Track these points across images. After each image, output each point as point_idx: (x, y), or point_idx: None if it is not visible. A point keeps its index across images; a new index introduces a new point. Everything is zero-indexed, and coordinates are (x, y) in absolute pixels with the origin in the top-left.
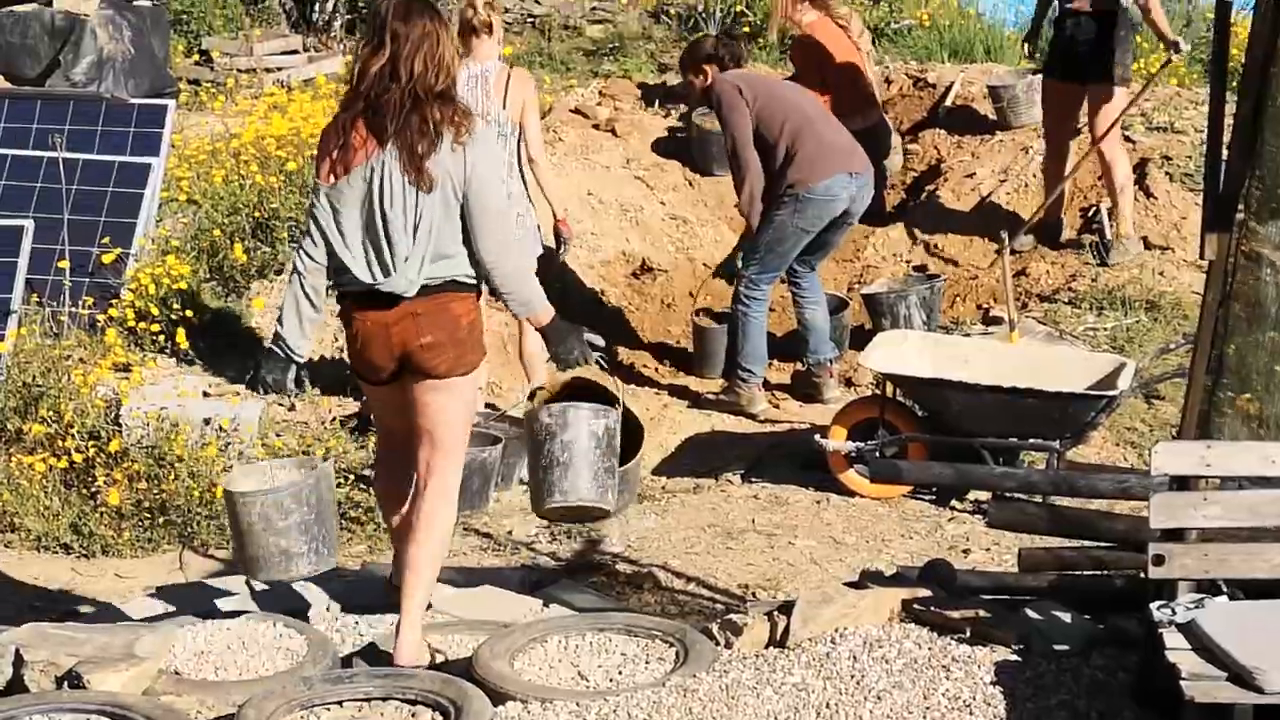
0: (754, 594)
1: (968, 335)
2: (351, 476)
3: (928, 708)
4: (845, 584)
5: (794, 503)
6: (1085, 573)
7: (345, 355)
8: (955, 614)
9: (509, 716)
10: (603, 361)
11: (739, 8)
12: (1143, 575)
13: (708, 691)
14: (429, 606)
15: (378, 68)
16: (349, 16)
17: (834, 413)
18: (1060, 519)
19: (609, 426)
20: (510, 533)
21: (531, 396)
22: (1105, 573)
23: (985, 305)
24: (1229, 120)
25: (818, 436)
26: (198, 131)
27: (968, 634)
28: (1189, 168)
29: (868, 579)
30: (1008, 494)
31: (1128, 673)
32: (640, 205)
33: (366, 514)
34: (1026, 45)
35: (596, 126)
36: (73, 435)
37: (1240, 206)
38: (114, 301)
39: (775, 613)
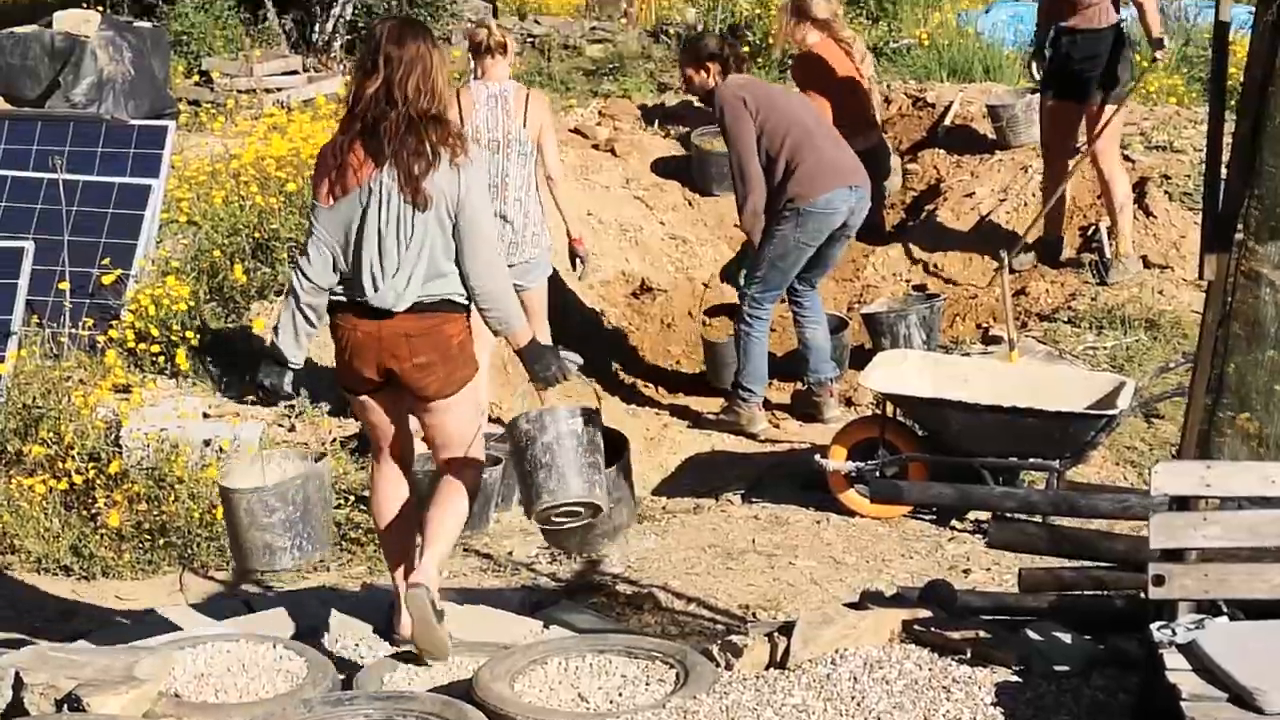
0: (754, 615)
1: (967, 355)
2: (351, 497)
3: None
4: (845, 605)
5: (794, 523)
6: (1086, 593)
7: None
8: (956, 635)
9: None
10: (580, 375)
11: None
12: (1143, 596)
13: (708, 713)
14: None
15: (372, 90)
16: (349, 37)
17: (834, 432)
18: (1060, 539)
19: (588, 424)
20: (510, 553)
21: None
22: (1106, 593)
23: (985, 324)
24: (1228, 140)
25: (818, 456)
26: (198, 152)
27: (968, 655)
28: (1188, 186)
29: (868, 600)
30: (1008, 514)
31: (1128, 694)
32: (640, 225)
33: (366, 535)
34: (1033, 64)
35: (596, 146)
36: (73, 457)
37: (1239, 226)
38: (114, 323)
39: (775, 634)
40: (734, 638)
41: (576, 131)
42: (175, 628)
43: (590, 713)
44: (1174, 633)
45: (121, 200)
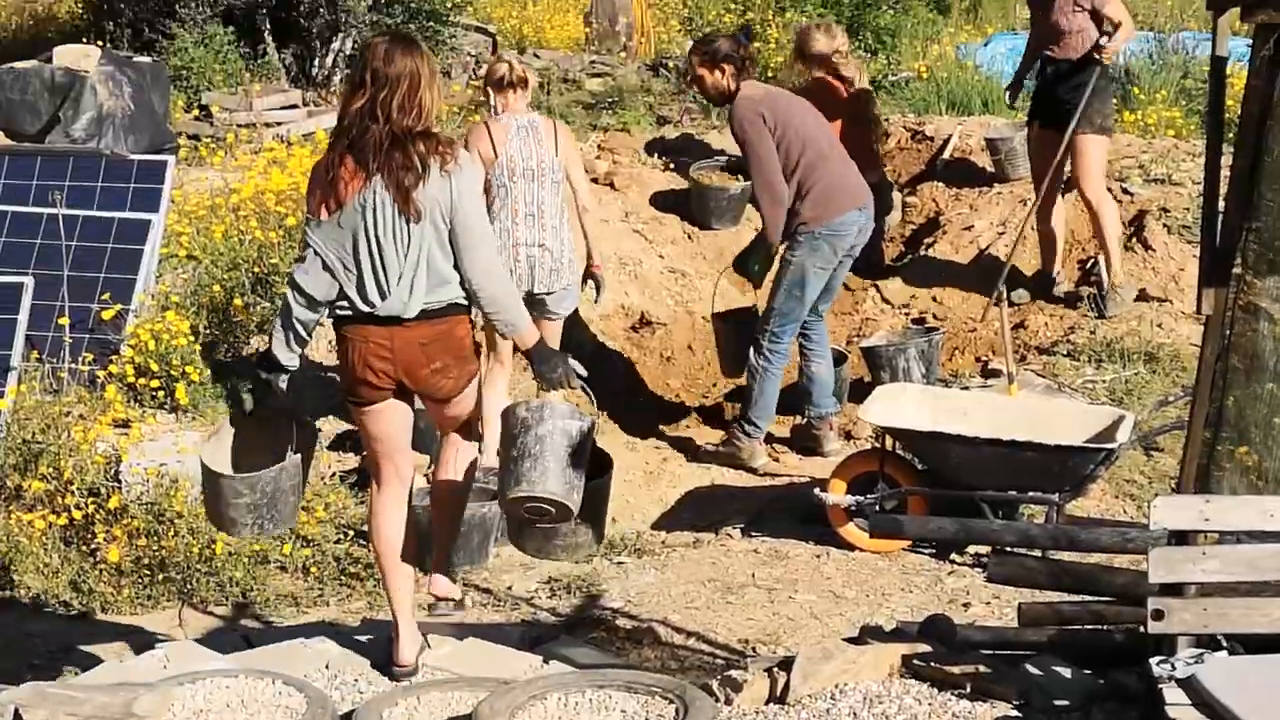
0: (754, 649)
1: (967, 388)
2: (350, 532)
3: None
4: (845, 639)
5: (794, 557)
6: (1085, 627)
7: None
8: (955, 669)
9: None
10: (585, 387)
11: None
12: (1142, 630)
13: None
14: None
15: (357, 107)
16: (348, 71)
17: (833, 466)
18: (1060, 573)
19: (583, 429)
20: (510, 588)
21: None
22: (1105, 627)
23: (984, 358)
24: (1225, 174)
25: (817, 490)
26: (197, 187)
27: (968, 689)
28: (1187, 220)
29: (868, 634)
30: (1008, 548)
31: None
32: (639, 259)
33: (366, 569)
34: (1008, 94)
35: (595, 180)
36: (72, 492)
37: (1237, 260)
38: (114, 358)
39: (775, 669)
40: (734, 673)
41: None
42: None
43: None
44: (1174, 667)
45: (121, 235)
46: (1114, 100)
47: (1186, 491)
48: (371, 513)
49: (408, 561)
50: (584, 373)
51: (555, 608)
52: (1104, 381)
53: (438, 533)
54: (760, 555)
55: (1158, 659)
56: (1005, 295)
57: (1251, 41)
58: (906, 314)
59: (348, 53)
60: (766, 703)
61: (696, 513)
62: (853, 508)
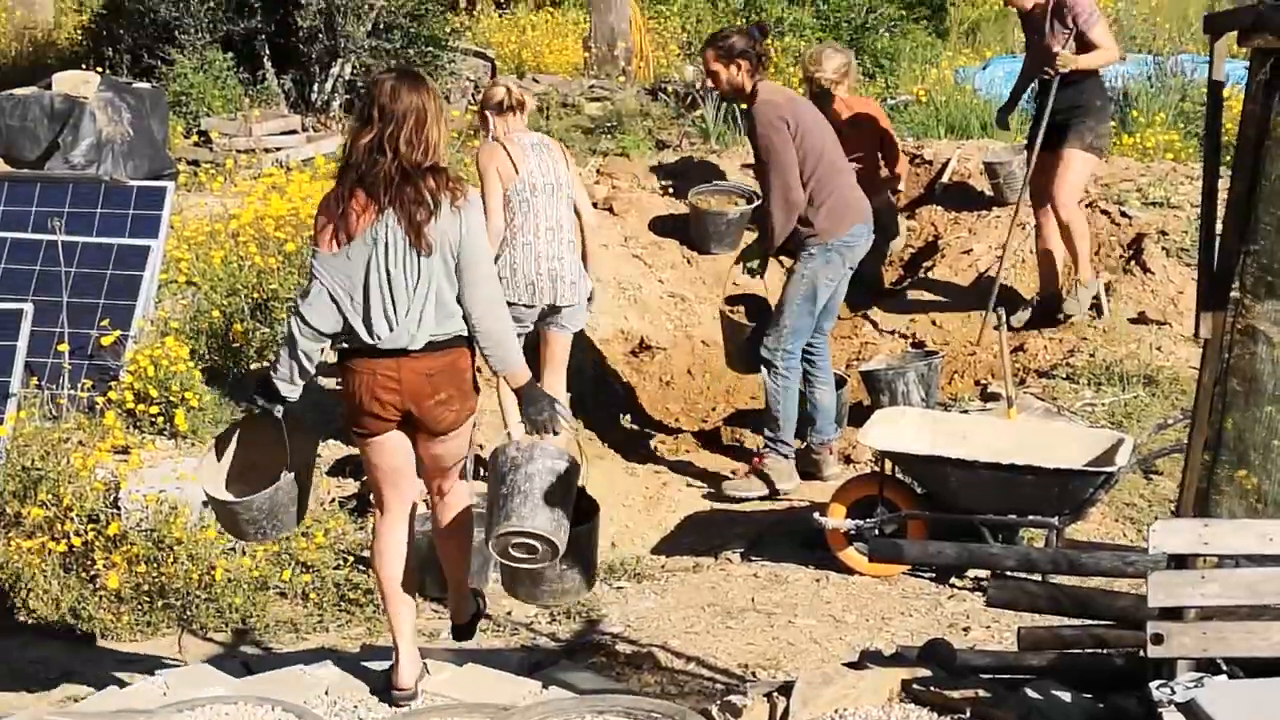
0: (754, 674)
1: (966, 412)
2: (350, 558)
3: None
4: (845, 664)
5: (794, 581)
6: (1085, 651)
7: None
8: (955, 694)
9: None
10: (572, 429)
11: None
12: (1142, 654)
13: None
14: None
15: (365, 142)
16: (347, 97)
17: (833, 490)
18: (1060, 597)
19: (570, 471)
20: (509, 613)
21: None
22: (1106, 651)
23: (983, 381)
24: (1223, 197)
25: (817, 514)
26: (196, 212)
27: (968, 714)
28: (1185, 243)
29: (867, 659)
30: (1008, 572)
31: None
32: (638, 283)
33: (365, 595)
34: (999, 113)
35: (595, 204)
36: (72, 519)
37: (1235, 284)
38: (113, 384)
39: (775, 693)
40: (733, 697)
41: None
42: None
43: None
44: (1173, 691)
45: (120, 261)
46: (1111, 123)
47: (1185, 515)
48: (375, 543)
49: (409, 588)
50: (570, 418)
51: (555, 633)
52: (1103, 404)
53: (450, 571)
54: (760, 580)
55: (1157, 683)
56: (1004, 318)
57: (1248, 66)
58: (905, 338)
59: (347, 78)
60: None
61: (696, 537)
62: (852, 532)
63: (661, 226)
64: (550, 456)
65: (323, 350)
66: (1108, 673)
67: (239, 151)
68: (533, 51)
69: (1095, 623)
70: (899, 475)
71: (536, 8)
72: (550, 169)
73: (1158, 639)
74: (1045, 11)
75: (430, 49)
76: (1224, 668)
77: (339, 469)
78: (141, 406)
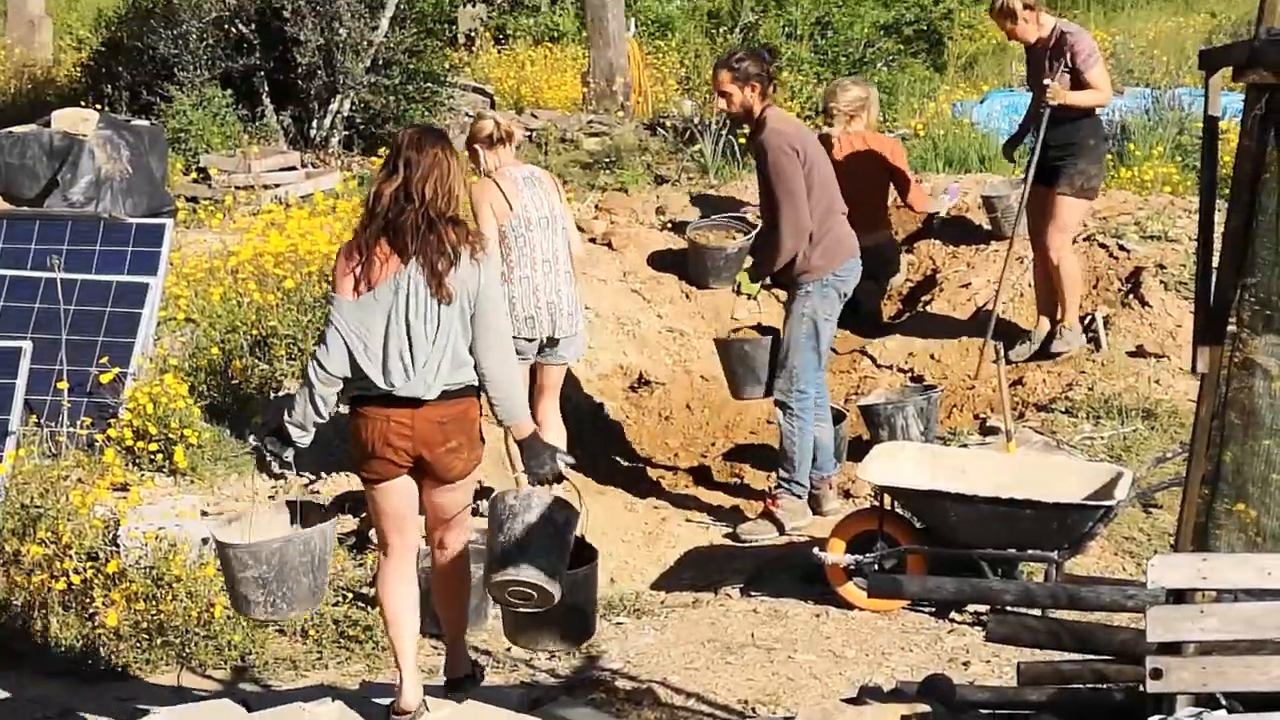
0: (754, 709)
1: (965, 446)
2: (349, 595)
3: None
4: (845, 700)
5: (793, 616)
6: (1085, 686)
7: (345, 473)
8: None
9: None
10: (571, 482)
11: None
12: (1142, 689)
13: None
14: None
15: (391, 191)
16: (346, 133)
17: (832, 525)
18: (1060, 632)
19: (568, 520)
20: (509, 649)
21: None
22: (1105, 686)
23: (982, 415)
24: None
25: (816, 549)
26: (196, 249)
27: None
28: (1183, 276)
29: (867, 694)
30: (1008, 607)
31: None
32: (637, 318)
33: (364, 632)
34: (1005, 147)
35: (593, 240)
36: (71, 556)
37: (1233, 318)
38: (112, 421)
39: None
40: None
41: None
42: None
43: None
44: None
45: (119, 298)
46: (1105, 160)
47: (1184, 550)
48: (380, 581)
49: (411, 618)
50: (571, 462)
51: (554, 669)
52: (1102, 438)
53: (447, 628)
54: (760, 615)
55: (1157, 718)
56: (1001, 352)
57: (1244, 101)
58: (904, 372)
59: (345, 114)
60: None
61: (696, 572)
62: (852, 567)
63: (660, 261)
64: (548, 506)
65: (338, 397)
66: (1107, 708)
67: (238, 188)
68: (531, 87)
69: (1095, 657)
70: (898, 510)
71: (535, 43)
72: (544, 202)
73: (1157, 674)
74: (1047, 47)
75: (429, 85)
76: (1223, 702)
77: (338, 505)
78: (140, 444)
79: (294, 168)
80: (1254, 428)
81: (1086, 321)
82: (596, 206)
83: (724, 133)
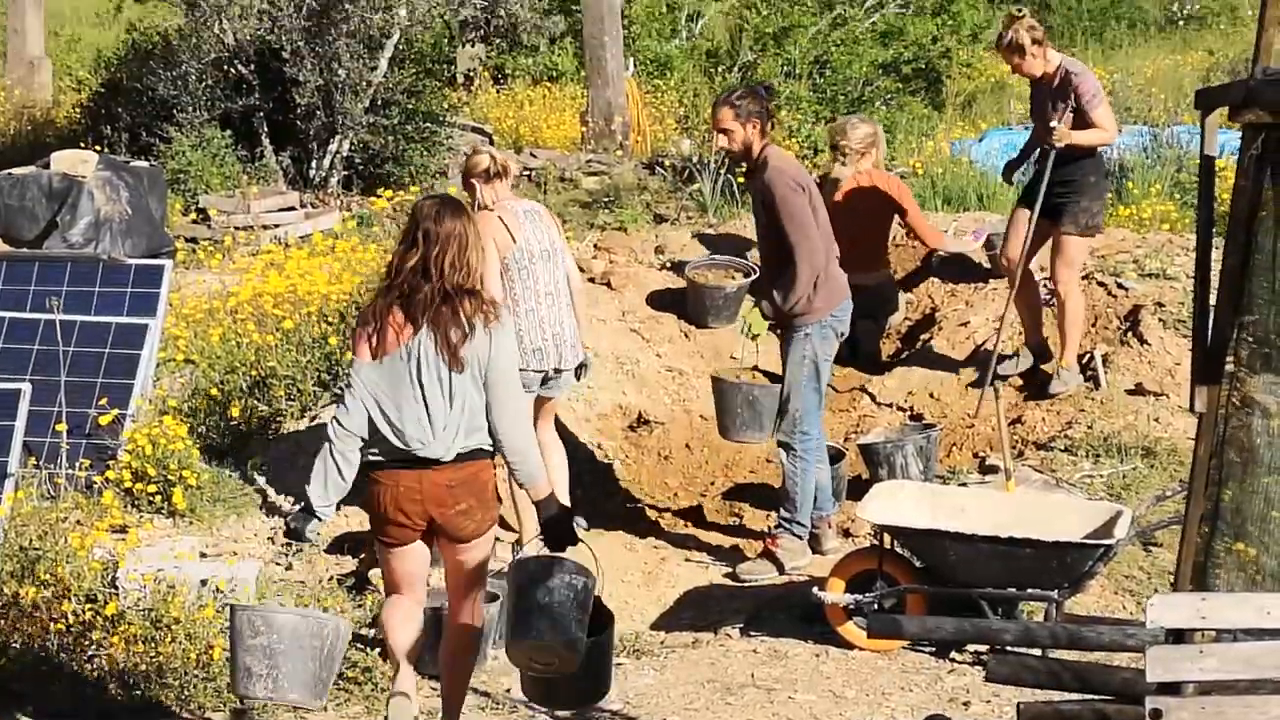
0: None
1: (965, 484)
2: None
3: None
4: None
5: (793, 656)
6: None
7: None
8: None
9: None
10: (587, 544)
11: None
12: None
13: None
14: None
15: (411, 264)
16: (345, 173)
17: (832, 564)
18: (1060, 671)
19: (587, 586)
20: (509, 691)
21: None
22: None
23: (982, 453)
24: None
25: (816, 589)
26: (195, 290)
27: None
28: (1182, 314)
29: None
30: (1008, 647)
31: None
32: (636, 358)
33: (363, 674)
34: (1005, 170)
35: (592, 280)
36: (70, 598)
37: (1230, 357)
38: (111, 463)
39: None
40: None
41: None
42: None
43: None
44: None
45: (118, 340)
46: (1106, 196)
47: (1183, 589)
48: (386, 613)
49: (416, 652)
50: (584, 524)
51: (552, 710)
52: (1102, 476)
53: (445, 690)
54: (759, 655)
55: None
56: (999, 390)
57: (1240, 140)
58: (903, 410)
59: (345, 155)
60: None
61: (695, 612)
62: (851, 606)
63: (659, 300)
64: (568, 572)
65: (357, 455)
66: None
67: (237, 229)
68: (530, 126)
69: (1095, 697)
70: (898, 549)
71: (534, 83)
72: (545, 235)
73: (1156, 714)
74: (1051, 83)
75: (428, 125)
76: None
77: (337, 546)
78: (139, 485)
79: (293, 208)
80: (1253, 466)
81: (1085, 360)
82: (595, 246)
83: (723, 172)
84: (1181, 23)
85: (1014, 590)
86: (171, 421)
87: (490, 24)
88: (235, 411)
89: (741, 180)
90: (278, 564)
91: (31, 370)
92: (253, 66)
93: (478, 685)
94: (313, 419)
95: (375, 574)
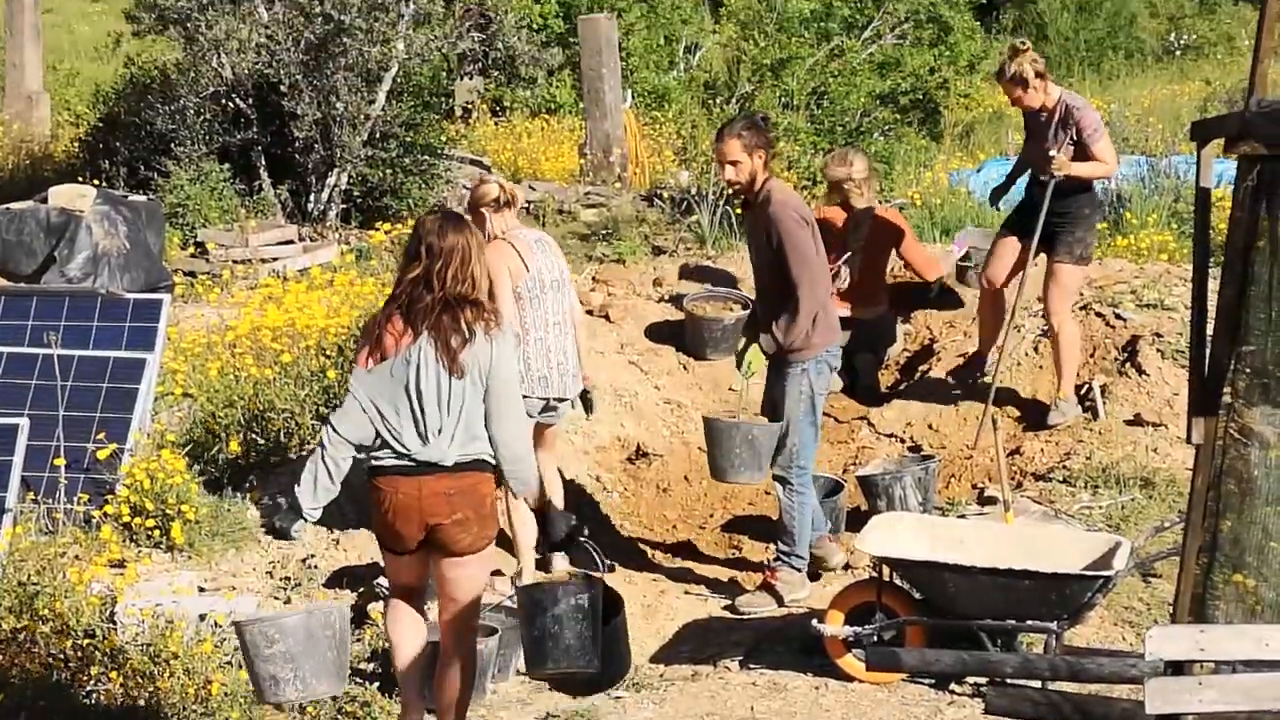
0: None
1: (963, 516)
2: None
3: None
4: None
5: (793, 689)
6: None
7: (342, 548)
8: None
9: None
10: (589, 544)
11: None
12: None
13: None
14: None
15: (412, 276)
16: (343, 206)
17: (831, 596)
18: (1060, 703)
19: (594, 598)
20: None
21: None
22: None
23: (980, 485)
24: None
25: (815, 621)
26: (193, 324)
27: None
28: (1179, 344)
29: None
30: (1007, 679)
31: None
32: (635, 390)
33: (363, 709)
34: (993, 195)
35: (590, 312)
36: (69, 633)
37: (1228, 389)
38: (109, 497)
39: None
40: None
41: None
42: None
43: None
44: None
45: (117, 374)
46: (1099, 226)
47: (1182, 621)
48: (390, 626)
49: (424, 666)
50: (584, 529)
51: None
52: (1100, 507)
53: None
54: (759, 688)
55: None
56: (997, 422)
57: (1236, 172)
58: (902, 442)
59: (343, 188)
60: None
61: (694, 645)
62: (850, 639)
63: (658, 333)
64: (574, 593)
65: (349, 462)
66: None
67: (235, 262)
68: (529, 158)
69: None
70: (897, 581)
71: (532, 115)
72: (554, 265)
73: None
74: (1051, 117)
75: (426, 157)
76: None
77: (336, 580)
78: (138, 520)
79: (291, 241)
80: (1251, 497)
81: (1083, 391)
82: (594, 278)
83: (721, 203)
84: (1179, 53)
85: (1013, 622)
86: (169, 456)
87: (488, 57)
88: (233, 445)
89: (739, 212)
90: (276, 598)
91: (30, 405)
92: (251, 100)
93: (476, 718)
94: (310, 453)
95: (374, 608)
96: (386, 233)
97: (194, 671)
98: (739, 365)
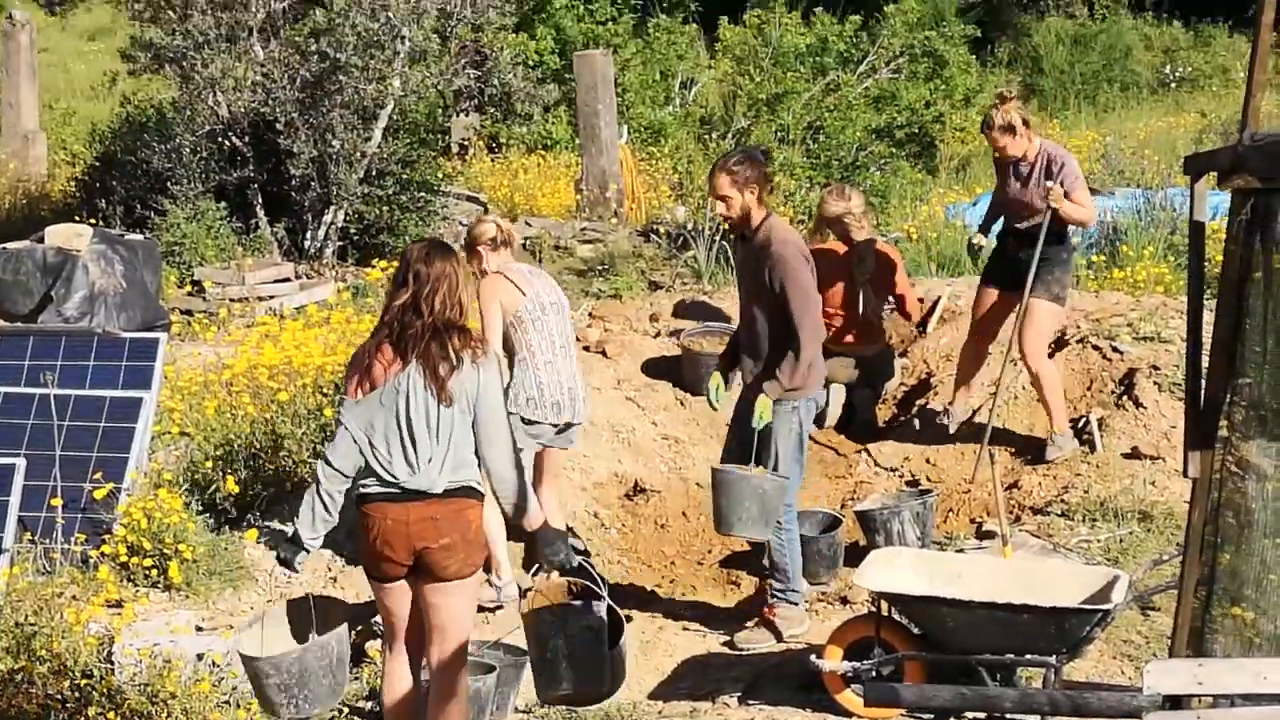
0: None
1: (961, 550)
2: (345, 709)
3: None
4: None
5: None
6: None
7: (340, 586)
8: None
9: None
10: (587, 563)
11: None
12: None
13: None
14: None
15: (400, 303)
16: (340, 243)
17: (830, 632)
18: None
19: (600, 620)
20: None
21: (523, 595)
22: None
23: (978, 519)
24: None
25: (813, 656)
26: (190, 362)
27: None
28: (1177, 377)
29: None
30: (1006, 714)
31: None
32: (632, 426)
33: None
34: (977, 237)
35: (587, 348)
36: (65, 674)
37: (1224, 422)
38: (106, 537)
39: None
40: None
41: None
42: None
43: None
44: None
45: (113, 413)
46: (1072, 270)
47: (1180, 654)
48: (385, 675)
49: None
50: (582, 548)
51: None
52: (1098, 541)
53: None
54: None
55: None
56: (994, 456)
57: (1229, 206)
58: (900, 476)
59: (339, 225)
60: None
61: (693, 681)
62: (849, 674)
63: (654, 368)
64: (581, 616)
65: (344, 492)
66: None
67: (232, 300)
68: (525, 194)
69: None
70: (895, 616)
71: (528, 151)
72: (552, 289)
73: None
74: (1033, 166)
75: (423, 194)
76: None
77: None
78: (135, 559)
79: (288, 279)
80: (1249, 530)
81: (1081, 424)
82: (590, 314)
83: (717, 238)
84: (1174, 85)
85: (1012, 656)
86: (166, 495)
87: (484, 93)
88: (230, 484)
89: (735, 234)
90: None
91: (26, 445)
92: (247, 138)
93: None
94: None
95: (371, 646)
96: (383, 270)
97: (192, 711)
98: (709, 395)
